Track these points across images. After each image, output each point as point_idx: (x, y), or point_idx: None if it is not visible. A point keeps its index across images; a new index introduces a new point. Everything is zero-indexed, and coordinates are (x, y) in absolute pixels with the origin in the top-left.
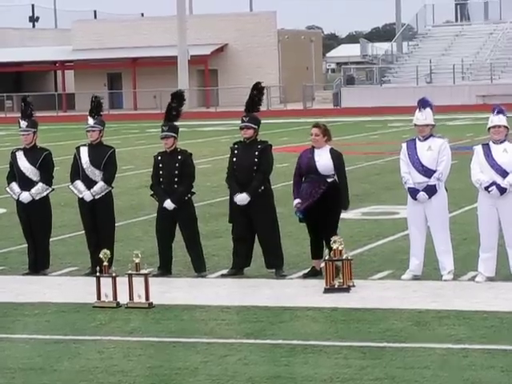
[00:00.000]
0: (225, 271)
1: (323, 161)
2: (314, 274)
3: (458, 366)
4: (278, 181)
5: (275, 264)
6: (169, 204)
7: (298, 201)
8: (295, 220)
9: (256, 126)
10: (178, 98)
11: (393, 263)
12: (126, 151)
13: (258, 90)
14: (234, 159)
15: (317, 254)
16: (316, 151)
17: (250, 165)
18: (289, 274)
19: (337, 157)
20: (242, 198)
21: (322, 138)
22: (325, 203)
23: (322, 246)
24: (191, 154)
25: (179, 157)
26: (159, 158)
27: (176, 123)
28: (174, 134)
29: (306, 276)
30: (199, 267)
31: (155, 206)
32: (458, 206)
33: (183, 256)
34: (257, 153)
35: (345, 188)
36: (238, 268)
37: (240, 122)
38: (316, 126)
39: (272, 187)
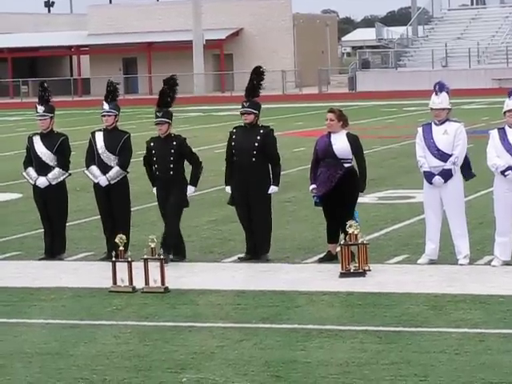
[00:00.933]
0: (241, 255)
1: (340, 145)
2: (329, 258)
3: (473, 350)
4: (294, 165)
5: (261, 248)
6: (154, 191)
7: (313, 186)
8: (310, 204)
9: (256, 111)
10: (170, 83)
11: (409, 247)
12: (141, 136)
13: (257, 75)
14: (233, 143)
15: (333, 238)
16: (332, 135)
17: (249, 148)
18: (304, 259)
19: (354, 140)
20: (273, 189)
21: (337, 122)
22: (342, 188)
23: (338, 230)
24: (185, 139)
25: (174, 142)
26: (152, 143)
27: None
28: (168, 120)
29: (321, 260)
30: None
31: None
32: (473, 190)
33: (199, 241)
34: (259, 137)
35: (363, 170)
36: (252, 253)
37: (240, 107)
38: (331, 111)
39: (286, 172)
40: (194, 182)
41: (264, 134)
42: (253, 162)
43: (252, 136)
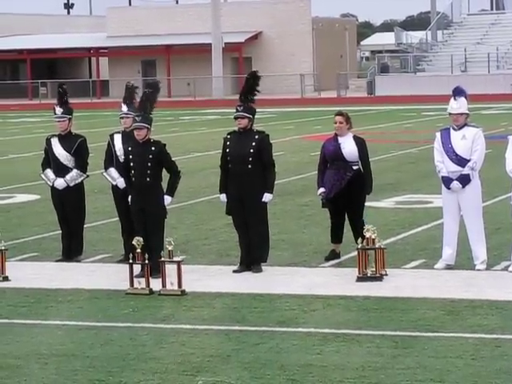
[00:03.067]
0: (235, 267)
1: (348, 148)
2: (333, 256)
3: (490, 355)
4: (311, 169)
5: (256, 256)
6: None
7: (322, 190)
8: (325, 209)
9: (251, 116)
10: (153, 87)
11: (426, 252)
12: (160, 138)
13: (253, 79)
14: (228, 150)
15: (337, 237)
16: (340, 139)
17: (245, 155)
18: (321, 263)
19: (360, 143)
20: (268, 197)
21: (346, 125)
22: (350, 190)
23: (343, 230)
24: (165, 145)
25: (153, 148)
26: (129, 148)
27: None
28: (146, 125)
29: (327, 259)
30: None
31: (188, 193)
32: (491, 196)
33: (216, 244)
34: (254, 143)
35: (369, 173)
36: (245, 264)
37: (234, 111)
38: (339, 114)
39: (304, 175)
40: (171, 192)
41: (259, 139)
42: (248, 169)
43: (247, 142)
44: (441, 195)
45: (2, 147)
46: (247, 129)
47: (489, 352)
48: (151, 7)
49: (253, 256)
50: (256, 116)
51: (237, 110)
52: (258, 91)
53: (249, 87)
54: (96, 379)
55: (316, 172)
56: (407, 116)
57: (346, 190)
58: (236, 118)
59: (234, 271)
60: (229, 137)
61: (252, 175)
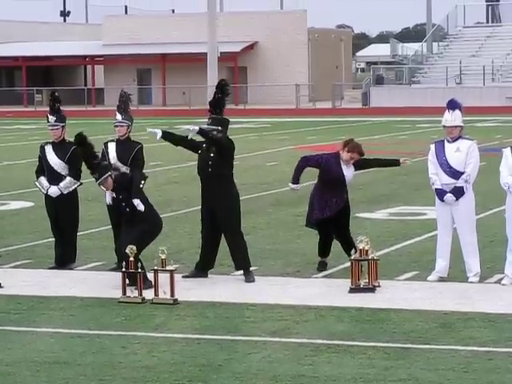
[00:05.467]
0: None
1: (350, 174)
2: (324, 265)
3: (482, 368)
4: (305, 179)
5: (243, 266)
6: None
7: (295, 186)
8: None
9: (218, 127)
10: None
11: (419, 264)
12: (154, 147)
13: (221, 88)
14: (197, 162)
15: (325, 253)
16: (343, 164)
17: (206, 166)
18: (314, 273)
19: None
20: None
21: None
22: (341, 210)
23: (331, 246)
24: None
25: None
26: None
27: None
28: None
29: (319, 269)
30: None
31: (182, 202)
32: (485, 208)
33: None
34: (212, 154)
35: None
36: (199, 269)
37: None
38: (359, 153)
39: (296, 185)
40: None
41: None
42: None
43: (208, 154)
44: (434, 207)
45: None
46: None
47: (481, 365)
48: (147, 16)
49: (240, 266)
50: (252, 126)
51: (207, 123)
52: (225, 103)
53: (215, 100)
54: None
55: (309, 182)
56: (402, 128)
57: (338, 211)
58: None
59: (183, 277)
60: (203, 146)
61: (211, 185)
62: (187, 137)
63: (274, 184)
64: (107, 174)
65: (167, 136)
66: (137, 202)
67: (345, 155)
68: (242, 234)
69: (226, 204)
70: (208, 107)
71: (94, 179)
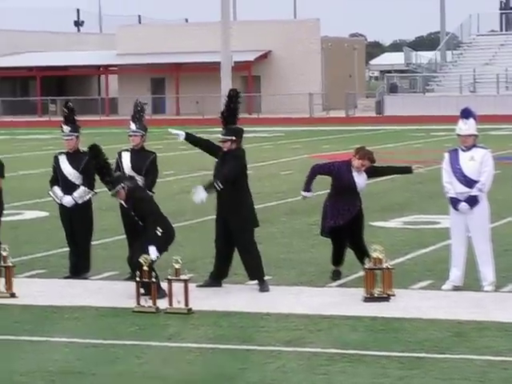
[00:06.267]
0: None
1: (362, 181)
2: (338, 275)
3: (497, 378)
4: (319, 188)
5: (257, 276)
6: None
7: (308, 194)
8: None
9: (233, 137)
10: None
11: (433, 273)
12: (168, 156)
13: (231, 98)
14: (214, 170)
15: (339, 262)
16: (354, 172)
17: (219, 172)
18: (328, 283)
19: (370, 171)
20: (200, 197)
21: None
22: (353, 218)
23: (345, 254)
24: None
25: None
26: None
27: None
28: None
29: (333, 278)
30: None
31: (196, 211)
32: (499, 217)
33: None
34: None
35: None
36: (213, 279)
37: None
38: (370, 159)
39: (308, 193)
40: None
41: (231, 156)
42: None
43: (225, 163)
44: (449, 216)
45: (12, 164)
46: (231, 149)
47: (496, 374)
48: (161, 25)
49: (253, 276)
50: (265, 135)
51: (221, 133)
52: (237, 113)
53: (227, 110)
54: None
55: (323, 191)
56: (416, 136)
57: (351, 219)
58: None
59: (198, 286)
60: (220, 155)
61: (225, 195)
62: (209, 140)
63: (288, 193)
64: (120, 186)
65: (190, 137)
66: (152, 249)
67: (356, 162)
68: (255, 244)
69: (239, 215)
70: (221, 117)
71: (107, 189)
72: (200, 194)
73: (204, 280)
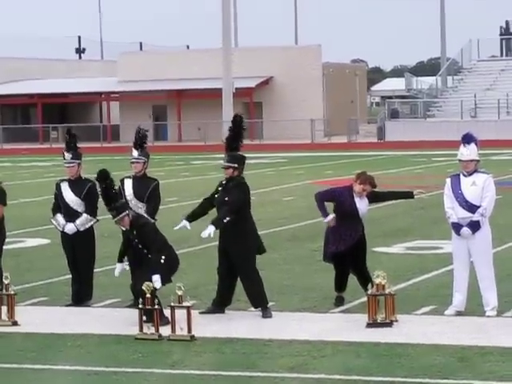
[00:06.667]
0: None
1: (363, 206)
2: (341, 300)
3: None
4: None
5: (259, 304)
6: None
7: (330, 217)
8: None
9: (235, 165)
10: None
11: (436, 298)
12: (171, 183)
13: (235, 124)
14: (216, 195)
15: (342, 287)
16: (356, 197)
17: (222, 202)
18: (331, 309)
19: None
20: (208, 231)
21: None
22: (356, 243)
23: (347, 280)
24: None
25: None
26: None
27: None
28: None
29: (336, 305)
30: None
31: (199, 238)
32: (501, 242)
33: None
34: (226, 199)
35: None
36: (216, 305)
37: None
38: (371, 184)
39: (315, 220)
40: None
41: (233, 185)
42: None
43: (226, 191)
44: (451, 241)
45: (13, 191)
46: (233, 177)
47: None
48: (162, 52)
49: (255, 303)
50: (267, 161)
51: (224, 159)
52: (241, 140)
53: (231, 136)
54: None
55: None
56: (417, 161)
57: (353, 245)
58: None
59: (200, 313)
60: (222, 183)
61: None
62: (203, 201)
63: (290, 219)
64: (124, 213)
65: (192, 218)
66: (156, 277)
67: (357, 187)
68: (257, 271)
69: (241, 243)
70: (224, 143)
71: (109, 215)
72: (208, 230)
73: (207, 307)
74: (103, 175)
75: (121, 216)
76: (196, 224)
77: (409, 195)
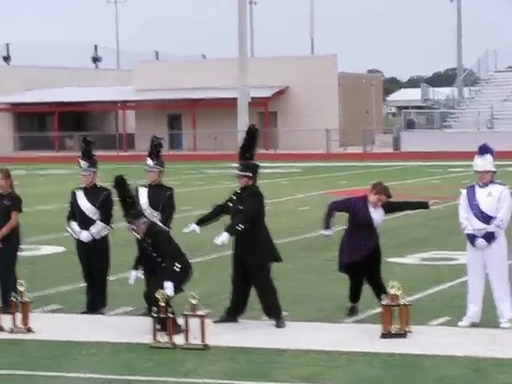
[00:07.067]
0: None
1: (378, 216)
2: (355, 310)
3: None
4: (336, 224)
5: (273, 314)
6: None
7: (328, 232)
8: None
9: (249, 173)
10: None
11: (451, 309)
12: (185, 192)
13: (250, 134)
14: (231, 204)
15: (356, 298)
16: (370, 207)
17: (237, 211)
18: (345, 319)
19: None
20: (222, 239)
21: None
22: (370, 254)
23: (361, 290)
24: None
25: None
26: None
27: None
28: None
29: (349, 315)
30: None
31: (213, 246)
32: None
33: None
34: (241, 207)
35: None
36: (230, 314)
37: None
38: (385, 194)
39: (329, 231)
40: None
41: (247, 194)
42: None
43: (241, 200)
44: (466, 252)
45: (29, 199)
46: (247, 186)
47: None
48: (178, 62)
49: (269, 313)
50: (283, 170)
51: (237, 168)
52: (255, 148)
53: (245, 145)
54: None
55: (340, 227)
56: (433, 172)
57: (368, 255)
58: (237, 177)
59: (215, 322)
60: (236, 192)
61: (242, 232)
62: (216, 207)
63: (305, 229)
64: (142, 220)
65: (202, 222)
66: (168, 284)
67: (372, 198)
68: (271, 281)
69: (255, 252)
70: (239, 151)
71: (124, 224)
72: (222, 237)
73: (220, 315)
74: (120, 182)
75: (137, 224)
76: (209, 232)
77: (424, 206)
